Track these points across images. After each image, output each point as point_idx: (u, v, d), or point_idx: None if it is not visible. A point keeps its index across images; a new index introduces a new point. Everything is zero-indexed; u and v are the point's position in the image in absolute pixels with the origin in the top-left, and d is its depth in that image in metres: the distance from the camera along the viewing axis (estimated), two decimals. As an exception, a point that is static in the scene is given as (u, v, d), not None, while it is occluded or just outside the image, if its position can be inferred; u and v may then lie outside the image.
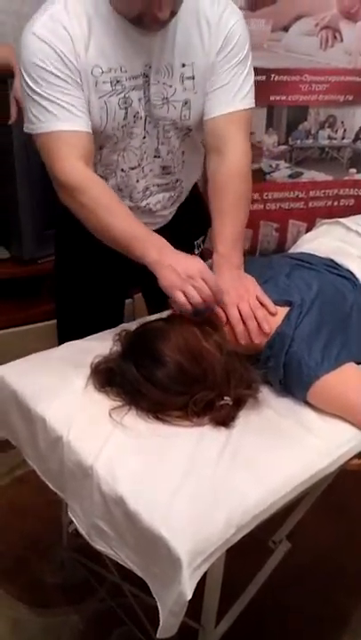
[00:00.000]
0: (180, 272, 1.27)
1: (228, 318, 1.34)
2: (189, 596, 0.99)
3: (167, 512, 1.04)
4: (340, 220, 1.85)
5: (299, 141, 2.33)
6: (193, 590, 1.00)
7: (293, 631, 1.73)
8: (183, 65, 1.39)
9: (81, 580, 1.78)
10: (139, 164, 1.51)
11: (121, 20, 1.31)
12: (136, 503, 1.06)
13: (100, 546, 1.16)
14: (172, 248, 1.33)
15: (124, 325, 1.51)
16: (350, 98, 2.30)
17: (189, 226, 1.76)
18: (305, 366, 1.27)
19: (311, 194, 2.43)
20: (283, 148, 2.33)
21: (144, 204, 1.58)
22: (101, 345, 1.40)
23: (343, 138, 2.37)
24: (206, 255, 1.83)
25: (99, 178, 1.40)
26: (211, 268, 1.44)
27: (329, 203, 2.46)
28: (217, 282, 1.30)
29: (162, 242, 1.33)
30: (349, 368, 1.28)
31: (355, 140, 2.39)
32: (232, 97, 1.43)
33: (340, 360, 1.28)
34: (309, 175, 2.40)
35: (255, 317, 1.34)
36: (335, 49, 2.20)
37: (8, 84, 1.74)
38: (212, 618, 1.35)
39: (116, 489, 1.09)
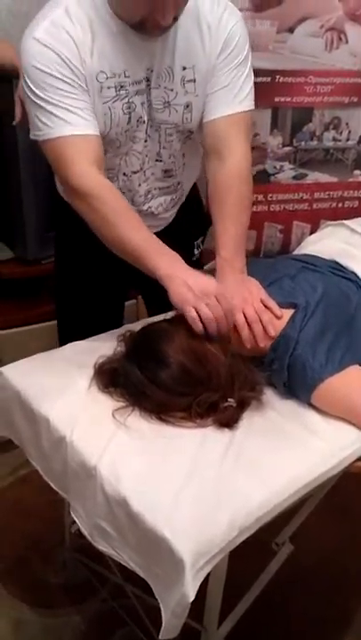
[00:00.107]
0: (193, 288, 1.25)
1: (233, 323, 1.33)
2: (192, 598, 0.99)
3: (170, 513, 1.03)
4: (345, 222, 1.85)
5: (303, 143, 2.33)
6: (196, 592, 0.99)
7: (297, 633, 1.73)
8: (184, 68, 1.38)
9: (83, 581, 1.78)
10: (141, 168, 1.51)
11: (122, 25, 1.30)
12: (139, 504, 1.06)
13: (102, 546, 1.16)
14: (184, 263, 1.31)
15: (129, 326, 1.51)
16: (355, 99, 2.29)
17: (189, 226, 1.75)
18: (309, 369, 1.26)
19: (316, 195, 2.43)
20: (287, 149, 2.32)
21: (146, 207, 1.57)
22: (105, 345, 1.40)
23: (348, 139, 2.36)
24: (205, 256, 1.83)
25: (112, 185, 1.38)
26: (213, 272, 1.44)
27: (333, 204, 2.46)
28: (230, 304, 1.28)
29: (175, 256, 1.31)
30: (354, 370, 1.28)
31: (360, 142, 2.38)
32: (232, 99, 1.43)
33: (345, 362, 1.28)
34: (314, 177, 2.40)
35: (261, 321, 1.33)
36: (340, 50, 2.20)
37: (13, 84, 1.74)
38: (215, 619, 1.34)
39: (119, 489, 1.09)
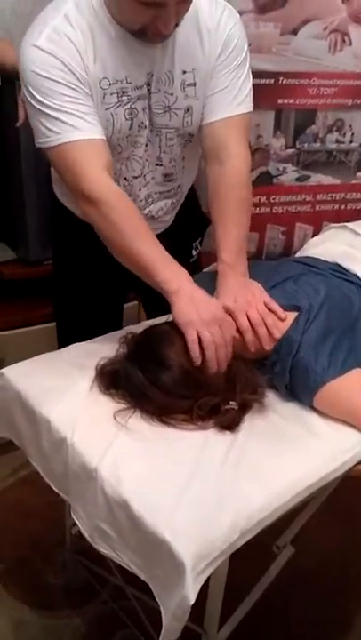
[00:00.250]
0: (200, 312, 1.25)
1: (236, 326, 1.32)
2: (192, 601, 0.99)
3: (171, 515, 1.03)
4: (348, 224, 1.85)
5: (306, 145, 2.32)
6: (196, 595, 0.99)
7: (297, 636, 1.73)
8: (184, 72, 1.37)
9: (83, 583, 1.78)
10: (141, 173, 1.50)
11: (121, 31, 1.29)
12: (140, 506, 1.06)
13: (103, 548, 1.16)
14: (191, 280, 1.30)
15: (130, 328, 1.51)
16: (359, 102, 2.29)
17: (187, 228, 1.75)
18: (311, 372, 1.26)
19: (318, 197, 2.42)
20: (290, 151, 2.32)
21: (146, 211, 1.56)
22: (107, 347, 1.39)
23: (351, 142, 2.36)
24: (204, 257, 1.83)
25: (123, 192, 1.36)
26: (213, 274, 1.44)
27: (336, 206, 2.46)
28: (231, 336, 1.27)
29: (182, 271, 1.30)
30: (356, 374, 1.27)
31: (363, 144, 2.38)
32: (231, 101, 1.42)
33: (347, 366, 1.27)
34: (317, 179, 2.39)
35: (265, 324, 1.32)
36: (344, 52, 2.20)
37: (15, 85, 1.75)
38: (215, 622, 1.34)
39: (120, 491, 1.09)
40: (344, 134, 2.34)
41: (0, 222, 2.33)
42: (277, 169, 2.34)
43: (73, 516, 1.23)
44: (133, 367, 1.27)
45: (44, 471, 1.31)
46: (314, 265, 1.55)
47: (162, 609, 1.05)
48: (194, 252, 1.81)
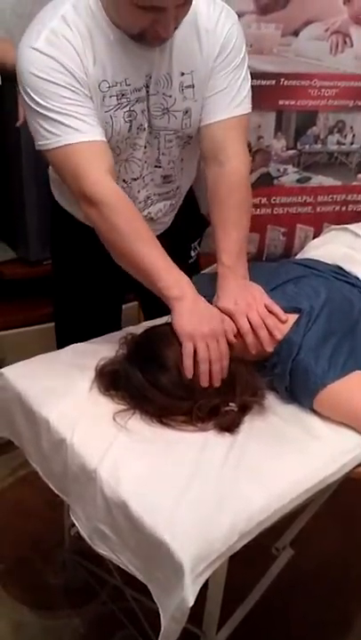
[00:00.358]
0: (200, 324, 1.24)
1: (237, 329, 1.32)
2: (191, 603, 0.99)
3: (170, 517, 1.03)
4: (348, 226, 1.85)
5: (307, 146, 2.32)
6: (195, 597, 0.99)
7: (297, 637, 1.73)
8: (182, 74, 1.37)
9: (83, 583, 1.78)
10: (140, 175, 1.50)
11: (119, 33, 1.28)
12: (139, 507, 1.06)
13: (102, 550, 1.16)
14: (194, 287, 1.30)
15: (130, 329, 1.51)
16: (360, 103, 2.29)
17: (185, 229, 1.75)
18: (311, 374, 1.26)
19: (319, 199, 2.42)
20: (291, 152, 2.32)
21: (145, 213, 1.56)
22: (107, 348, 1.39)
23: (352, 143, 2.36)
24: (203, 258, 1.83)
25: (126, 195, 1.35)
26: (213, 276, 1.43)
27: (337, 208, 2.46)
28: (227, 351, 1.27)
29: (186, 280, 1.30)
30: (356, 376, 1.27)
31: (364, 146, 2.38)
32: (229, 102, 1.41)
33: (347, 368, 1.27)
34: (317, 180, 2.39)
35: (266, 326, 1.31)
36: (345, 54, 2.20)
37: (16, 84, 1.74)
38: (214, 623, 1.34)
39: (119, 493, 1.09)
40: (345, 136, 2.34)
41: (0, 222, 2.33)
42: (278, 170, 2.34)
43: (72, 517, 1.23)
44: (133, 368, 1.27)
45: (44, 471, 1.31)
46: (314, 267, 1.55)
47: (160, 611, 1.05)
48: (192, 253, 1.81)
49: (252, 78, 1.46)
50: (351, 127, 2.33)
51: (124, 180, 1.49)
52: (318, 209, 2.44)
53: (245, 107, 1.44)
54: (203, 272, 1.67)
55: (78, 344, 1.50)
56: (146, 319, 1.76)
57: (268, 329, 1.31)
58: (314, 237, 2.21)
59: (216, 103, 1.41)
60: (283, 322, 1.33)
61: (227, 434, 1.22)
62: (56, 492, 1.29)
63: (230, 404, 1.24)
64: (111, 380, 1.31)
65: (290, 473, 1.15)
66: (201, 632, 1.35)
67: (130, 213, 1.32)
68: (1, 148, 2.15)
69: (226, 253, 1.40)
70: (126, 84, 1.33)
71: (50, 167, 1.57)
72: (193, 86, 1.39)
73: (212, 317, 1.28)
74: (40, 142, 1.32)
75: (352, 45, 2.19)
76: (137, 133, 1.41)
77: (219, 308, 1.34)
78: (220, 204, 1.43)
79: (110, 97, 1.33)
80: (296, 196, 2.39)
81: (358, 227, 1.82)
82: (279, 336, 1.31)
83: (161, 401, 1.23)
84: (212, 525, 1.03)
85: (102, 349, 1.40)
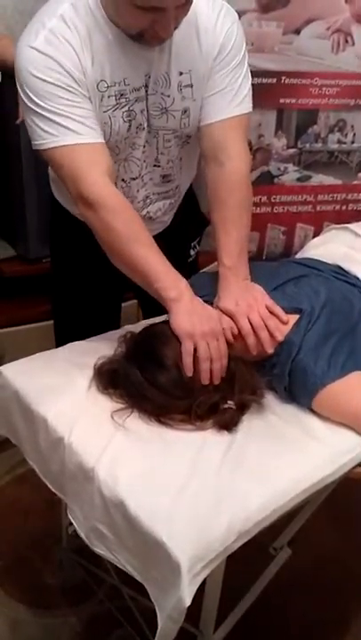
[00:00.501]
0: (199, 323, 1.24)
1: (238, 330, 1.31)
2: (188, 603, 0.98)
3: (168, 517, 1.03)
4: (349, 225, 1.84)
5: (308, 145, 2.32)
6: (192, 597, 0.99)
7: (296, 636, 1.73)
8: (181, 73, 1.36)
9: (80, 582, 1.78)
10: (139, 174, 1.49)
11: (118, 33, 1.27)
12: (137, 507, 1.05)
13: (99, 549, 1.16)
14: (191, 289, 1.29)
15: (129, 327, 1.50)
16: (361, 102, 2.29)
17: (185, 228, 1.74)
18: (311, 374, 1.25)
19: (319, 198, 2.42)
20: (292, 151, 2.32)
21: (144, 212, 1.55)
22: (106, 346, 1.39)
23: (353, 142, 2.36)
24: (203, 257, 1.82)
25: (124, 197, 1.35)
26: (214, 275, 1.43)
27: (337, 207, 2.45)
28: (227, 350, 1.26)
29: (184, 282, 1.29)
30: (355, 377, 1.27)
31: (364, 145, 2.38)
32: (229, 102, 1.40)
33: (347, 369, 1.27)
34: (318, 179, 2.39)
35: (267, 327, 1.31)
36: (347, 53, 2.19)
37: (16, 82, 1.73)
38: (211, 623, 1.34)
39: (116, 492, 1.08)
40: (346, 135, 2.34)
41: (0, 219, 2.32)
42: (279, 169, 2.33)
43: (69, 516, 1.23)
44: (132, 367, 1.27)
45: (41, 470, 1.31)
46: (315, 266, 1.55)
47: (157, 610, 1.04)
48: (192, 252, 1.80)
49: (252, 76, 1.45)
50: (352, 126, 2.33)
51: (123, 180, 1.48)
52: (318, 208, 2.43)
53: (246, 106, 1.43)
54: (202, 271, 1.66)
55: (77, 342, 1.49)
56: (145, 317, 1.76)
57: (268, 330, 1.31)
58: (314, 236, 2.21)
59: (216, 103, 1.40)
60: (284, 323, 1.33)
61: (225, 433, 1.22)
62: (54, 490, 1.28)
63: (229, 401, 1.23)
64: (110, 378, 1.31)
65: (288, 473, 1.14)
66: (198, 631, 1.34)
67: (127, 215, 1.31)
68: (1, 145, 2.14)
69: (227, 254, 1.39)
70: (125, 84, 1.33)
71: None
72: (191, 86, 1.38)
73: (211, 317, 1.28)
74: (37, 142, 1.31)
75: (353, 44, 2.19)
76: (136, 133, 1.41)
77: (220, 309, 1.34)
78: (220, 203, 1.42)
79: (109, 97, 1.32)
80: (296, 194, 2.39)
81: (358, 226, 1.81)
82: (280, 337, 1.31)
83: (159, 400, 1.23)
84: (209, 525, 1.03)
85: (101, 348, 1.39)
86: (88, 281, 1.70)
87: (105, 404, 1.28)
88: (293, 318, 1.34)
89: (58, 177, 1.37)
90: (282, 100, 2.21)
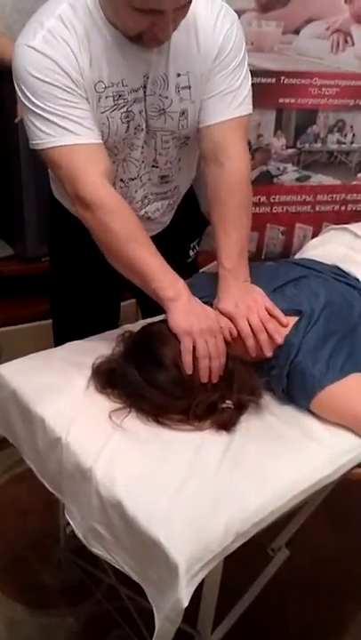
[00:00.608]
0: (197, 321, 1.24)
1: (238, 331, 1.31)
2: (186, 604, 0.98)
3: (166, 518, 1.02)
4: (348, 226, 1.84)
5: (307, 145, 2.32)
6: (190, 598, 0.98)
7: (295, 636, 1.73)
8: (178, 75, 1.35)
9: (78, 582, 1.78)
10: (138, 175, 1.49)
11: (117, 34, 1.27)
12: (134, 508, 1.05)
13: (96, 549, 1.15)
14: (188, 289, 1.30)
15: (128, 326, 1.50)
16: (360, 102, 2.29)
17: (185, 228, 1.74)
18: (309, 376, 1.25)
19: (319, 198, 2.42)
20: (291, 151, 2.31)
21: (142, 212, 1.55)
22: (104, 346, 1.39)
23: (352, 142, 2.35)
24: (202, 257, 1.82)
25: (121, 198, 1.34)
26: (214, 275, 1.42)
27: (336, 207, 2.45)
28: (225, 348, 1.26)
29: (181, 282, 1.29)
30: (354, 378, 1.26)
31: (364, 145, 2.38)
32: (229, 104, 1.39)
33: (346, 370, 1.26)
34: (317, 179, 2.39)
35: (266, 330, 1.30)
36: (346, 53, 2.19)
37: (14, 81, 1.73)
38: (209, 623, 1.34)
39: (114, 492, 1.08)
40: (345, 135, 2.34)
41: (-2, 218, 2.32)
42: (278, 169, 2.33)
43: (67, 516, 1.23)
44: (130, 366, 1.26)
45: (39, 470, 1.31)
46: (314, 267, 1.54)
47: (155, 611, 1.04)
48: (191, 253, 1.80)
49: (252, 76, 1.44)
50: (351, 126, 2.33)
51: (121, 180, 1.48)
52: (317, 208, 2.43)
53: (245, 107, 1.42)
54: (201, 270, 1.66)
55: (75, 341, 1.49)
56: (144, 317, 1.75)
57: (268, 333, 1.30)
58: (313, 237, 2.21)
59: (216, 104, 1.39)
60: (284, 325, 1.32)
61: (223, 434, 1.21)
62: (51, 490, 1.28)
63: (227, 401, 1.23)
64: (108, 377, 1.31)
65: (287, 474, 1.14)
66: (196, 632, 1.34)
67: (125, 216, 1.31)
68: (-1, 144, 2.14)
69: (227, 256, 1.39)
70: (123, 85, 1.32)
71: (49, 165, 1.57)
72: (189, 87, 1.37)
73: (208, 316, 1.28)
74: (34, 141, 1.31)
75: (353, 44, 2.18)
76: (134, 134, 1.40)
77: (219, 311, 1.33)
78: (220, 204, 1.42)
79: (107, 98, 1.32)
80: (295, 194, 2.39)
81: (358, 227, 1.81)
82: (280, 340, 1.30)
83: (157, 399, 1.22)
84: (207, 526, 1.03)
85: (100, 347, 1.39)
86: (87, 279, 1.70)
87: (103, 404, 1.27)
88: (293, 320, 1.34)
89: (55, 177, 1.37)
90: (281, 100, 2.21)
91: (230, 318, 1.32)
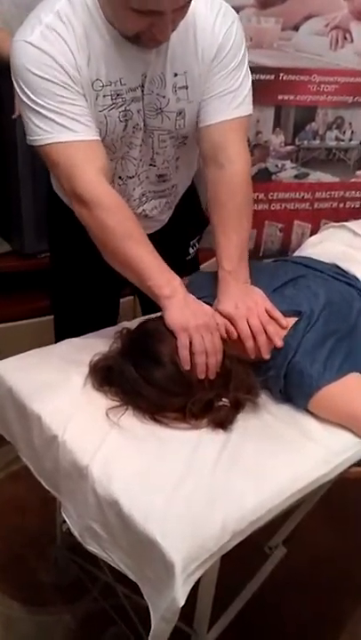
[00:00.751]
0: (193, 317, 1.24)
1: (237, 333, 1.30)
2: (182, 603, 0.98)
3: (162, 516, 1.02)
4: (346, 223, 1.83)
5: (306, 142, 2.31)
6: (186, 597, 0.98)
7: (292, 634, 1.73)
8: (175, 75, 1.34)
9: (74, 580, 1.77)
10: (135, 173, 1.48)
11: (115, 33, 1.26)
12: (131, 506, 1.04)
13: (93, 548, 1.15)
14: (184, 287, 1.29)
15: (125, 323, 1.50)
16: (359, 99, 2.28)
17: (185, 226, 1.73)
18: (307, 376, 1.25)
19: (317, 195, 2.42)
20: (289, 148, 2.31)
21: (140, 210, 1.54)
22: (102, 343, 1.38)
23: (351, 139, 2.35)
24: (202, 254, 1.81)
25: (119, 196, 1.34)
26: (214, 275, 1.42)
27: (335, 204, 2.45)
28: (221, 345, 1.26)
29: (178, 280, 1.29)
30: (352, 378, 1.26)
31: (362, 142, 2.37)
32: (228, 104, 1.38)
33: (343, 370, 1.26)
34: (315, 176, 2.38)
35: (265, 332, 1.30)
36: (345, 50, 2.19)
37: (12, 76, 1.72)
38: (205, 622, 1.34)
39: (110, 491, 1.08)
40: (344, 132, 2.33)
41: (-4, 215, 2.32)
42: (276, 165, 2.33)
43: (63, 515, 1.22)
44: (127, 363, 1.26)
45: (35, 468, 1.30)
46: (313, 266, 1.53)
47: (151, 610, 1.04)
48: (191, 251, 1.79)
49: (251, 73, 1.43)
50: (350, 123, 2.32)
51: (120, 178, 1.48)
52: (316, 205, 2.43)
53: (245, 108, 1.41)
54: (200, 268, 1.66)
55: (74, 338, 1.48)
56: (143, 313, 1.75)
57: (267, 335, 1.30)
58: (311, 234, 2.21)
59: (215, 105, 1.38)
60: (283, 327, 1.32)
61: (220, 432, 1.21)
62: (48, 488, 1.27)
63: (223, 399, 1.23)
64: (105, 375, 1.30)
65: (283, 472, 1.13)
66: (192, 630, 1.34)
67: (122, 214, 1.31)
68: (-3, 140, 2.13)
69: (227, 258, 1.38)
70: (121, 84, 1.31)
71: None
72: (187, 87, 1.36)
73: (205, 312, 1.28)
74: (32, 137, 1.30)
75: (352, 41, 2.18)
76: (133, 132, 1.39)
77: (219, 312, 1.33)
78: (220, 207, 1.41)
79: (104, 96, 1.31)
80: (294, 192, 2.39)
81: (356, 224, 1.80)
82: (279, 343, 1.29)
83: (154, 397, 1.22)
84: (204, 524, 1.02)
85: (98, 344, 1.39)
86: (87, 274, 1.69)
87: (100, 402, 1.27)
88: (292, 321, 1.33)
89: (52, 174, 1.36)
90: (280, 97, 2.21)
91: (230, 319, 1.31)
